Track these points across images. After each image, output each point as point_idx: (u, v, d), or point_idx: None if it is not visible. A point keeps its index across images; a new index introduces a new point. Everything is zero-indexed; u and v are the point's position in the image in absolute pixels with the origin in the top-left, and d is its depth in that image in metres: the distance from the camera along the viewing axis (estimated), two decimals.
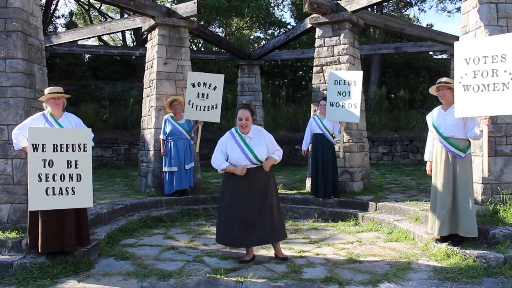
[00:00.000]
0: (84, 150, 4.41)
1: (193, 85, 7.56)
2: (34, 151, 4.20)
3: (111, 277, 4.32)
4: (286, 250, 5.32)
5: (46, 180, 4.23)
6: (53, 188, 4.26)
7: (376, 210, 6.89)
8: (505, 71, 4.35)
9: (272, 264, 4.75)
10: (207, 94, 7.55)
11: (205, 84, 7.55)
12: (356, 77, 7.20)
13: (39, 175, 4.21)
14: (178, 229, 6.47)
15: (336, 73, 7.45)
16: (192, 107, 7.56)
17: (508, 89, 4.32)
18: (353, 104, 7.14)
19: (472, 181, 4.90)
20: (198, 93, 7.54)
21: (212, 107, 7.59)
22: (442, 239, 4.94)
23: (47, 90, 4.82)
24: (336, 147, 7.58)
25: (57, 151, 4.28)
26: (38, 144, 4.21)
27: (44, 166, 4.23)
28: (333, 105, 7.33)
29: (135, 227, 6.33)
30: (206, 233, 6.24)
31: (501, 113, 4.52)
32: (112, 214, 6.43)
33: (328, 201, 7.36)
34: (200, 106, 7.56)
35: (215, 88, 7.58)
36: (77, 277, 4.29)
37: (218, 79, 7.62)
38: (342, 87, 7.26)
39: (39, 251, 4.44)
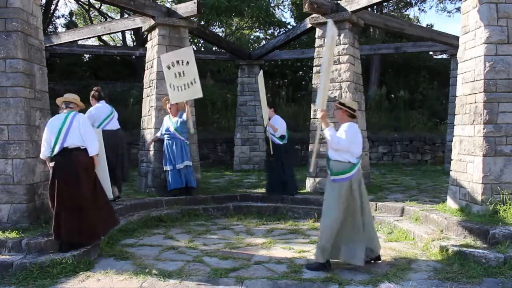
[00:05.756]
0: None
1: (168, 67, 7.34)
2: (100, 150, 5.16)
3: (111, 277, 4.32)
4: (286, 250, 5.32)
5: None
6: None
7: (376, 210, 6.89)
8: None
9: (272, 264, 4.76)
10: (183, 71, 7.25)
11: (178, 62, 7.27)
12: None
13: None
14: (178, 229, 6.47)
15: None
16: (174, 89, 7.34)
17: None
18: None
19: (331, 207, 4.53)
20: (175, 73, 7.28)
21: (191, 82, 7.24)
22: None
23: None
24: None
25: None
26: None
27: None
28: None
29: (135, 227, 6.32)
30: (206, 233, 6.24)
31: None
32: None
33: None
34: (180, 86, 7.30)
35: (187, 63, 7.21)
36: (77, 277, 4.30)
37: (188, 53, 7.29)
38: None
39: (84, 242, 4.81)
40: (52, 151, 4.82)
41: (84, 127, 4.90)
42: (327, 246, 4.47)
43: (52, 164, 4.87)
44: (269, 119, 7.65)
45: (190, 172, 7.76)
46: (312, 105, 8.47)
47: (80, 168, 4.80)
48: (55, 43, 11.34)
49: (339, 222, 4.48)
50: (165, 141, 7.76)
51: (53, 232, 4.72)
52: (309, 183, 8.27)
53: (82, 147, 4.87)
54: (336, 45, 8.14)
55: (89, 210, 4.80)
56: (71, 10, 21.14)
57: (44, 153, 4.93)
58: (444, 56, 15.47)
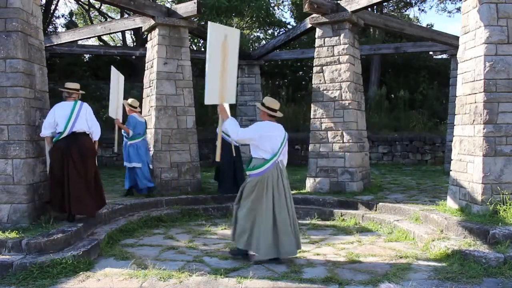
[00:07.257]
0: None
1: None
2: None
3: (111, 277, 4.32)
4: None
5: None
6: None
7: (376, 210, 6.89)
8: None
9: (272, 264, 4.75)
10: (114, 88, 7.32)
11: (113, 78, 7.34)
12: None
13: None
14: (178, 229, 6.47)
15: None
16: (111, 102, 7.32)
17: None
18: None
19: (245, 200, 4.75)
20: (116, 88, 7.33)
21: (113, 99, 7.27)
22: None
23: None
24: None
25: None
26: None
27: None
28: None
29: (135, 227, 6.33)
30: (206, 233, 6.24)
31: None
32: (112, 214, 6.42)
33: (328, 201, 7.37)
34: (112, 100, 7.32)
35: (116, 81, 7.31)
36: (77, 277, 4.30)
37: (114, 74, 7.31)
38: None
39: (92, 213, 5.57)
40: (60, 134, 5.39)
41: (90, 115, 5.63)
42: (242, 234, 4.74)
43: (53, 144, 5.47)
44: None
45: (136, 174, 7.62)
46: (312, 105, 8.46)
47: (87, 149, 5.53)
48: (55, 43, 11.35)
49: (252, 213, 4.69)
50: None
51: (56, 203, 5.39)
52: (309, 183, 8.27)
53: (87, 132, 5.58)
54: (336, 45, 8.15)
55: (94, 185, 5.61)
56: (71, 10, 21.15)
57: (44, 133, 5.45)
58: (444, 56, 15.48)
